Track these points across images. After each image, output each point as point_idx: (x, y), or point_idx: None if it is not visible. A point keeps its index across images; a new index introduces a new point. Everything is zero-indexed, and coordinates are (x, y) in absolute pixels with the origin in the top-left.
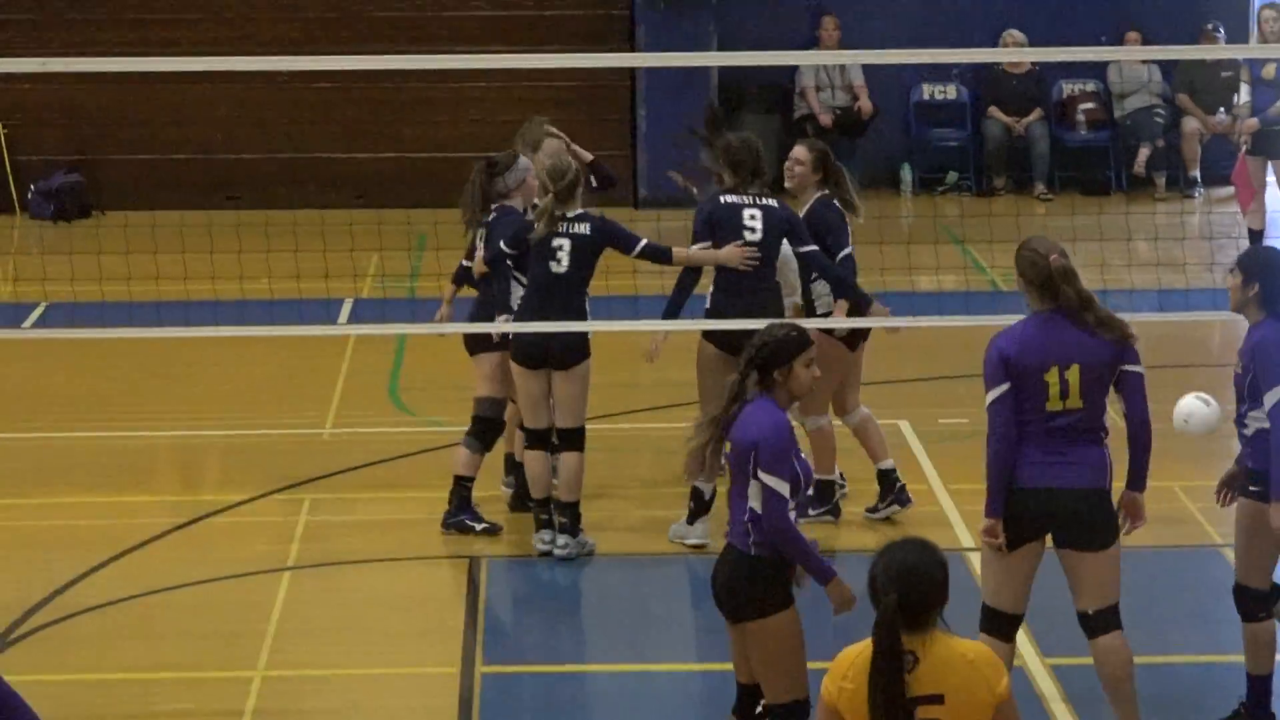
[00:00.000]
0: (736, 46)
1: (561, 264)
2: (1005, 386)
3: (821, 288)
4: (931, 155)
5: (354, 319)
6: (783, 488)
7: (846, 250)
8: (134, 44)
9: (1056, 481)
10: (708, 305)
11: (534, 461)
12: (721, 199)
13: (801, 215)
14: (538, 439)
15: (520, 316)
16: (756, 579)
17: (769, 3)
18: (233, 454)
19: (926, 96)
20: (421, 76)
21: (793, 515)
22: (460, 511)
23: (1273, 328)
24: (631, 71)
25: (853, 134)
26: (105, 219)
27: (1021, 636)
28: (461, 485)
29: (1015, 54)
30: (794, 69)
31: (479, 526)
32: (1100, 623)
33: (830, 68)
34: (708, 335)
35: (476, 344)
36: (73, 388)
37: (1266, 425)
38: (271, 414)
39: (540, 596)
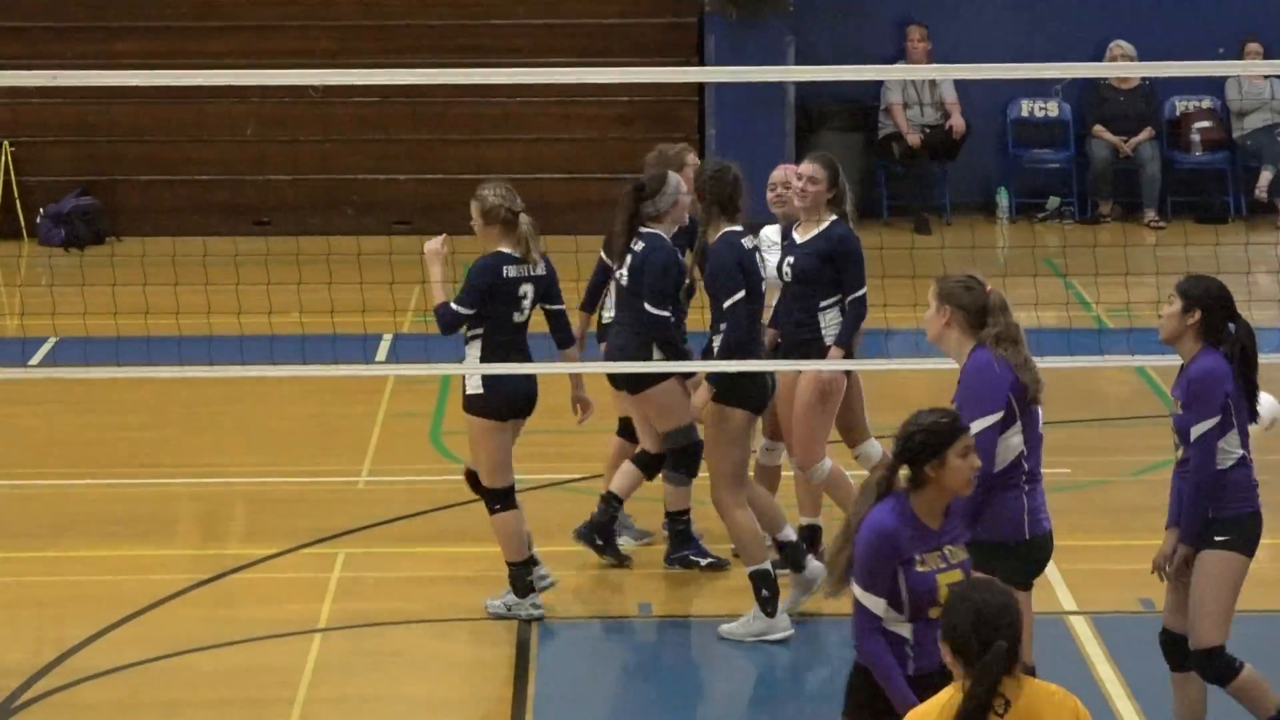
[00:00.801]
0: (816, 60)
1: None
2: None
3: (832, 317)
4: (1030, 178)
5: (393, 357)
6: (875, 605)
7: (862, 291)
8: (153, 55)
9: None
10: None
11: (505, 523)
12: (742, 241)
13: (812, 238)
14: (510, 497)
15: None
16: (855, 687)
17: (852, 12)
18: (259, 504)
19: (1025, 114)
20: (468, 92)
21: (905, 629)
22: (683, 546)
23: (1213, 359)
24: (700, 87)
25: (944, 155)
26: (120, 246)
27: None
28: (677, 521)
29: (1123, 69)
30: (879, 84)
31: (704, 562)
32: None
33: (919, 83)
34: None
35: (639, 381)
36: (84, 431)
37: (1225, 467)
38: (302, 461)
39: (596, 663)
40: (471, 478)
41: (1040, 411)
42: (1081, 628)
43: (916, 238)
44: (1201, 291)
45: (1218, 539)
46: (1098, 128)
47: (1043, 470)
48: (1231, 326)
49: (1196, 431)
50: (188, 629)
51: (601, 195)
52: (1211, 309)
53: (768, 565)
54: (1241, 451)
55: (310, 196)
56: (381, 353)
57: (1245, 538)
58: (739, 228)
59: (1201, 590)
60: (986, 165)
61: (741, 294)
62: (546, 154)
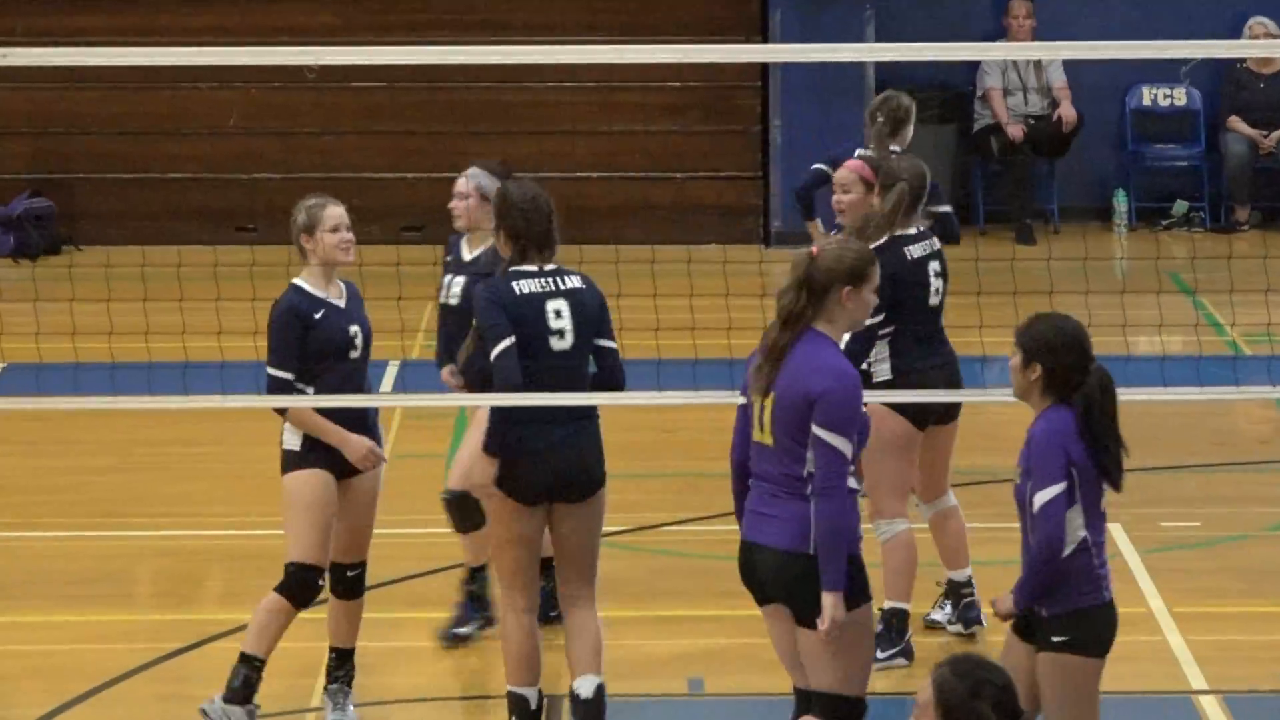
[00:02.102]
0: (899, 37)
1: None
2: None
3: (881, 350)
4: (1153, 179)
5: (400, 387)
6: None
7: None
8: (120, 32)
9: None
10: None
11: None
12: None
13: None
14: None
15: None
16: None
17: None
18: (241, 561)
19: (1147, 103)
20: (490, 75)
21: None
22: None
23: (1056, 419)
24: (763, 70)
25: (1051, 151)
26: (80, 256)
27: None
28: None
29: (1265, 47)
30: (974, 67)
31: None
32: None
33: (1022, 65)
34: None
35: None
36: (37, 476)
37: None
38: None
39: None
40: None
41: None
42: (1212, 708)
43: (1018, 248)
44: (1041, 344)
45: (1056, 639)
46: (1233, 119)
47: (1169, 524)
48: (1087, 378)
49: (1039, 500)
50: (155, 709)
51: (646, 198)
52: (1054, 362)
53: None
54: (1084, 534)
55: (305, 198)
56: (387, 382)
57: (1092, 637)
58: (528, 267)
59: (1048, 705)
60: (1101, 163)
61: (508, 342)
62: (583, 149)
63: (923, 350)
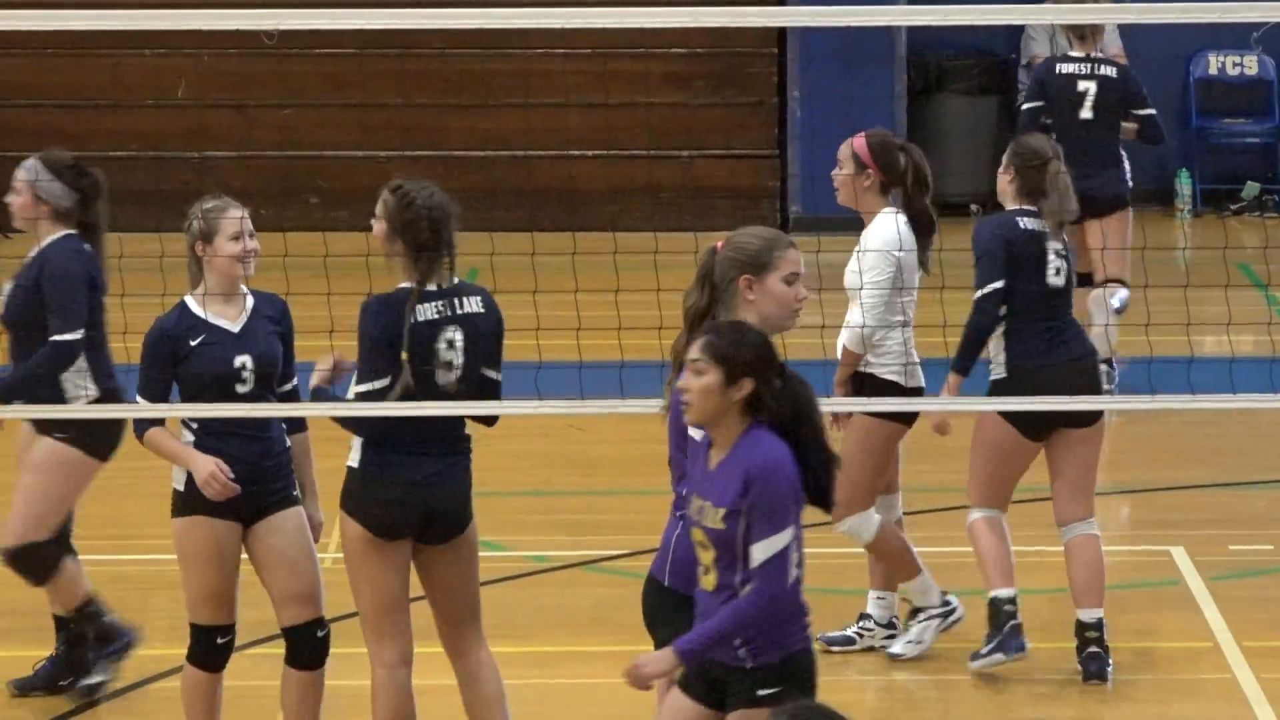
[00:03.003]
0: None
1: None
2: None
3: (997, 343)
4: (1221, 158)
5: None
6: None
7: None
8: None
9: None
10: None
11: None
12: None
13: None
14: None
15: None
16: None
17: None
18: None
19: (1214, 72)
20: (472, 41)
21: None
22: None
23: (770, 448)
24: (779, 35)
25: None
26: (6, 246)
27: None
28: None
29: None
30: (1018, 32)
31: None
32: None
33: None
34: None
35: None
36: None
37: None
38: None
39: None
40: None
41: None
42: None
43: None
44: (741, 355)
45: (762, 693)
46: None
47: (1238, 547)
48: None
49: (763, 553)
50: None
51: (649, 179)
52: (761, 375)
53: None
54: (798, 572)
55: (262, 181)
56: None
57: (797, 681)
58: (430, 287)
59: None
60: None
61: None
62: (576, 124)
63: (1044, 343)
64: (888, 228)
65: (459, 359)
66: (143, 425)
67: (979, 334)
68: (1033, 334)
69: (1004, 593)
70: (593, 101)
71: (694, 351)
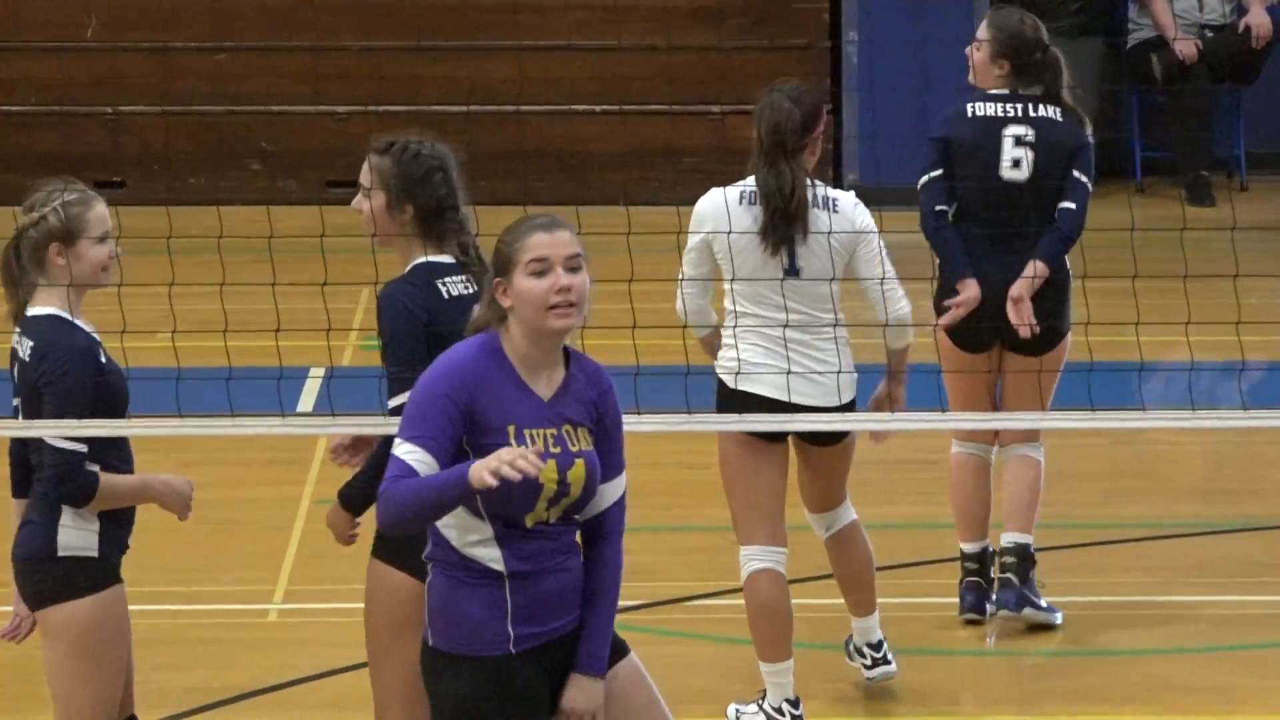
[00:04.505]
0: None
1: None
2: None
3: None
4: None
5: (326, 405)
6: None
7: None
8: None
9: None
10: None
11: None
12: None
13: None
14: None
15: None
16: None
17: None
18: None
19: None
20: None
21: None
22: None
23: None
24: None
25: (1235, 76)
26: None
27: None
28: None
29: None
30: None
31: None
32: None
33: None
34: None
35: None
36: None
37: None
38: (178, 578)
39: None
40: None
41: None
42: None
43: (1190, 211)
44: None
45: None
46: None
47: None
48: None
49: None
50: None
51: (669, 141)
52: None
53: None
54: None
55: (192, 142)
56: (307, 400)
57: None
58: (446, 259)
59: None
60: None
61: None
62: (582, 73)
63: (994, 250)
64: None
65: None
66: (90, 475)
67: (930, 236)
68: (974, 237)
69: (966, 548)
70: (601, 44)
71: None
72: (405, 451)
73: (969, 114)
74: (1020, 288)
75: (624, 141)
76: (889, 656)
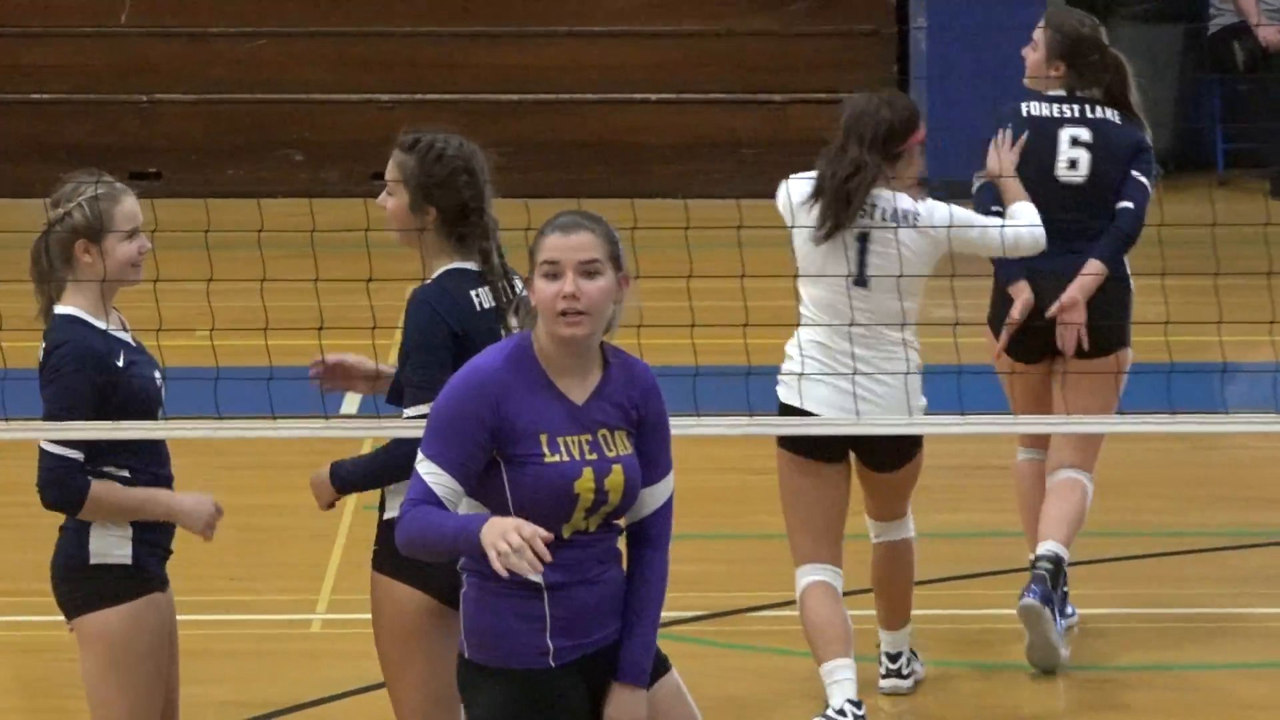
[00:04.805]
0: None
1: None
2: None
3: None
4: None
5: (371, 404)
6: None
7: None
8: None
9: None
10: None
11: None
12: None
13: None
14: None
15: None
16: None
17: None
18: (43, 655)
19: None
20: None
21: None
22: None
23: None
24: None
25: None
26: None
27: None
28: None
29: None
30: None
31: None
32: None
33: None
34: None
35: None
36: None
37: None
38: (207, 587)
39: None
40: None
41: None
42: None
43: (1275, 204)
44: None
45: None
46: None
47: None
48: None
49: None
50: None
51: (729, 131)
52: None
53: None
54: None
55: (230, 131)
56: (351, 401)
57: None
58: (471, 265)
59: None
60: None
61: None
62: (633, 60)
63: (1052, 251)
64: None
65: None
66: (80, 483)
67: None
68: None
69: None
70: (657, 30)
71: None
72: (427, 471)
73: (1024, 113)
74: (1075, 289)
75: (681, 132)
76: (904, 671)
